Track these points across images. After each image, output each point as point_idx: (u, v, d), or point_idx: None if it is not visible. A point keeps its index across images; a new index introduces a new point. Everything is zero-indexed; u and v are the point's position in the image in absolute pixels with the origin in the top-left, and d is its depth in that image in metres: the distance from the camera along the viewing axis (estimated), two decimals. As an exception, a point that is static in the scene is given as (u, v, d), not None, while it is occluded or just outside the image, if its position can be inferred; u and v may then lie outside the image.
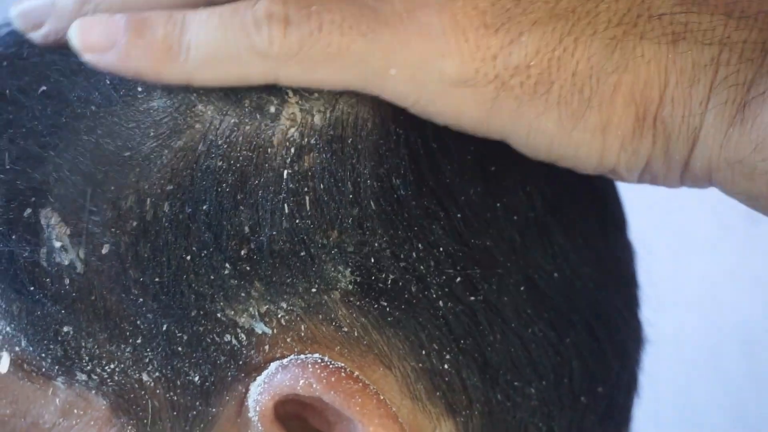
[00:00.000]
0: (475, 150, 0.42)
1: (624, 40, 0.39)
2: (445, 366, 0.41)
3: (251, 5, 0.39)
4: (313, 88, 0.40)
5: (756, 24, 0.39)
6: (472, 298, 0.41)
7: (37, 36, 0.42)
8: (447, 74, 0.39)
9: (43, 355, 0.40)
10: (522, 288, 0.42)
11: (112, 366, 0.40)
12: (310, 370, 0.38)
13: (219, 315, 0.39)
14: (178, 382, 0.39)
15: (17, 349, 0.40)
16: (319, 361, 0.39)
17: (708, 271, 0.91)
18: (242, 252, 0.39)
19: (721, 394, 0.90)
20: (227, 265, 0.39)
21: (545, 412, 0.43)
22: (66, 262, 0.39)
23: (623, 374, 0.47)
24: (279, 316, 0.40)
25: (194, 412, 0.40)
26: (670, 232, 0.90)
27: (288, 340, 0.40)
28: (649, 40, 0.39)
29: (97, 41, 0.40)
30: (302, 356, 0.39)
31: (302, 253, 0.39)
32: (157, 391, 0.40)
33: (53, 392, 0.40)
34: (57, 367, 0.40)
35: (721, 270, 0.91)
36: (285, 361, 0.39)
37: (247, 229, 0.39)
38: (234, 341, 0.39)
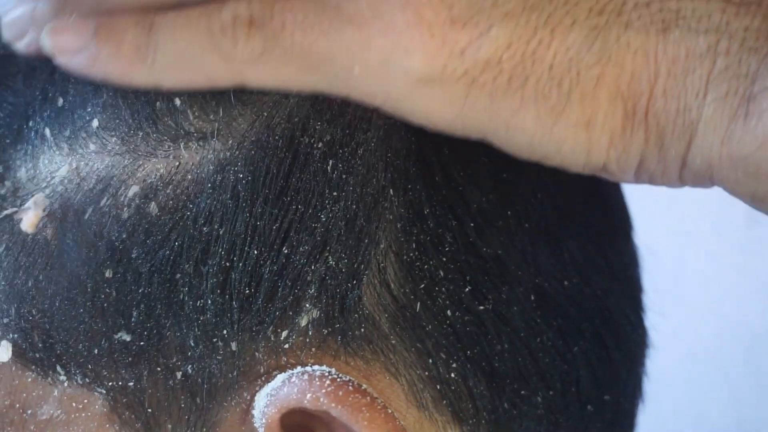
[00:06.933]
0: (487, 157, 0.40)
1: (607, 30, 0.36)
2: (452, 374, 0.40)
3: (219, 8, 0.38)
4: (282, 90, 0.38)
5: (759, 10, 0.36)
6: (481, 307, 0.40)
7: (20, 46, 0.41)
8: (413, 72, 0.36)
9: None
10: (532, 297, 0.41)
11: (110, 365, 0.39)
12: (317, 383, 0.37)
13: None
14: (179, 383, 0.39)
15: (16, 337, 0.39)
16: (327, 374, 0.38)
17: (708, 271, 0.91)
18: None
19: (722, 394, 0.90)
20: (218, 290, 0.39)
21: (552, 421, 0.43)
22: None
23: (629, 381, 0.46)
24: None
25: (194, 415, 0.39)
26: (670, 233, 0.90)
27: (293, 347, 0.39)
28: (635, 29, 0.36)
29: (67, 44, 0.39)
30: (309, 369, 0.38)
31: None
32: (158, 393, 0.39)
33: (52, 385, 0.39)
34: (56, 361, 0.39)
35: (721, 270, 0.91)
36: (291, 373, 0.38)
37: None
38: (234, 348, 0.39)
